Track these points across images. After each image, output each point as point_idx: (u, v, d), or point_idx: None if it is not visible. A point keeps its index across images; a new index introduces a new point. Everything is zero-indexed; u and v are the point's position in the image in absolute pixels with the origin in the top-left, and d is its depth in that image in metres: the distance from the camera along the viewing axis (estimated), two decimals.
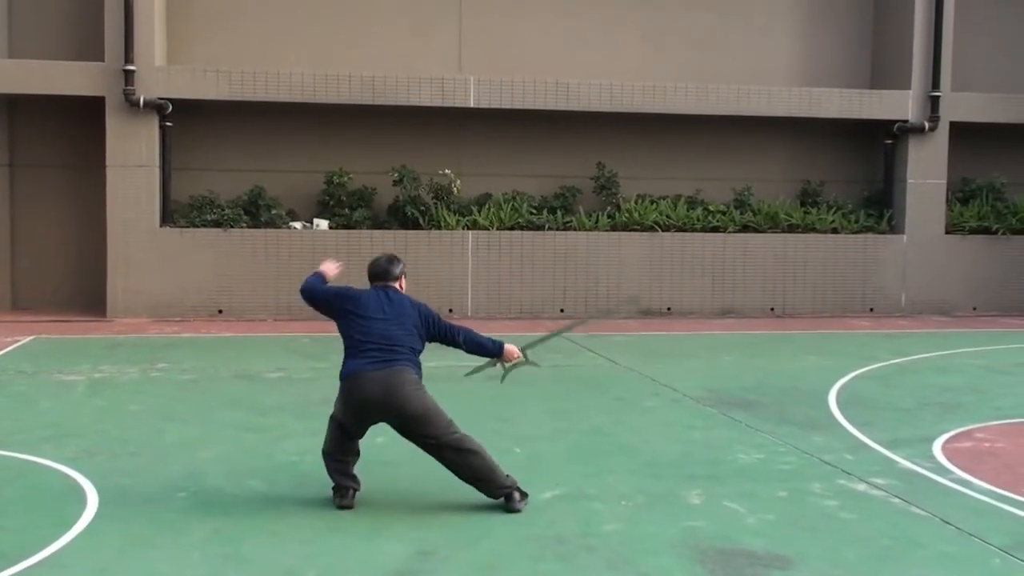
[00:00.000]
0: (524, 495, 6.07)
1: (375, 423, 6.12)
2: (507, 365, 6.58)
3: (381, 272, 6.42)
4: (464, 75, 16.10)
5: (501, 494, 6.02)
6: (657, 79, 16.87)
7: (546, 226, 16.17)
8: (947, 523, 5.83)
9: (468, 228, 15.92)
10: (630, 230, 16.44)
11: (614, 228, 16.48)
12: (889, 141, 17.46)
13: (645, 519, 5.87)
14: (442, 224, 15.82)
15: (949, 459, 7.28)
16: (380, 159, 16.31)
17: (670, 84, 16.44)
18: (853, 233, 17.11)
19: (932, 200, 17.33)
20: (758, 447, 7.63)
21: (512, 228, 16.10)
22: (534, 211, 16.39)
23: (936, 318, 16.95)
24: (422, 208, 15.90)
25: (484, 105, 15.87)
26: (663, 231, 16.46)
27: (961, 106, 17.37)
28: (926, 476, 6.86)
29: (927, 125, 17.13)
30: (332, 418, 6.22)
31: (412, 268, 15.49)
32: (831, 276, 16.89)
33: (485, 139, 16.91)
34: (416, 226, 15.88)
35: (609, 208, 16.71)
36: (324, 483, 6.42)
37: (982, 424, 8.54)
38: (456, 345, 6.39)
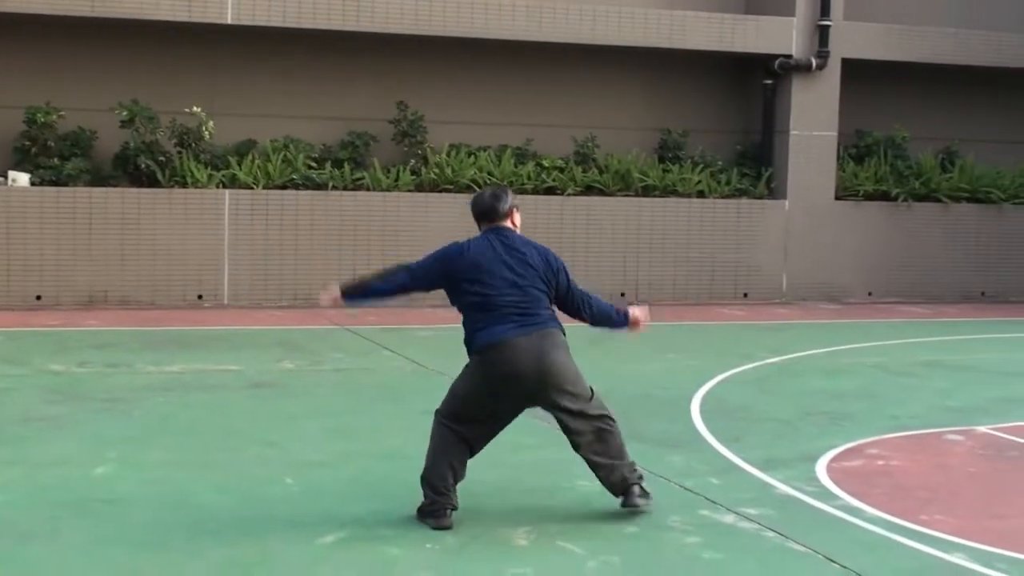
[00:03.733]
0: (647, 493, 6.71)
1: (520, 407, 6.68)
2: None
3: (487, 210, 6.82)
4: None
5: (624, 488, 6.67)
6: None
7: (330, 184, 16.08)
8: (831, 561, 6.13)
9: (224, 186, 15.67)
10: (440, 191, 16.52)
11: (419, 188, 16.52)
12: (768, 81, 18.14)
13: (457, 567, 5.95)
14: (189, 180, 15.53)
15: (835, 482, 7.65)
16: (103, 91, 15.87)
17: (492, 0, 16.58)
18: (723, 197, 17.71)
19: (820, 157, 18.11)
20: None
21: (284, 187, 15.95)
22: (313, 164, 16.27)
23: (823, 306, 17.74)
24: (161, 159, 15.57)
25: (246, 22, 15.62)
26: None
27: (855, 39, 18.19)
28: (807, 503, 7.19)
29: (814, 62, 17.87)
30: (450, 414, 6.62)
31: (149, 238, 15.23)
32: (696, 252, 17.43)
33: (248, 68, 16.66)
34: (153, 183, 15.54)
35: (413, 162, 16.74)
36: (26, 533, 6.23)
37: (875, 437, 9.01)
38: (582, 316, 6.95)
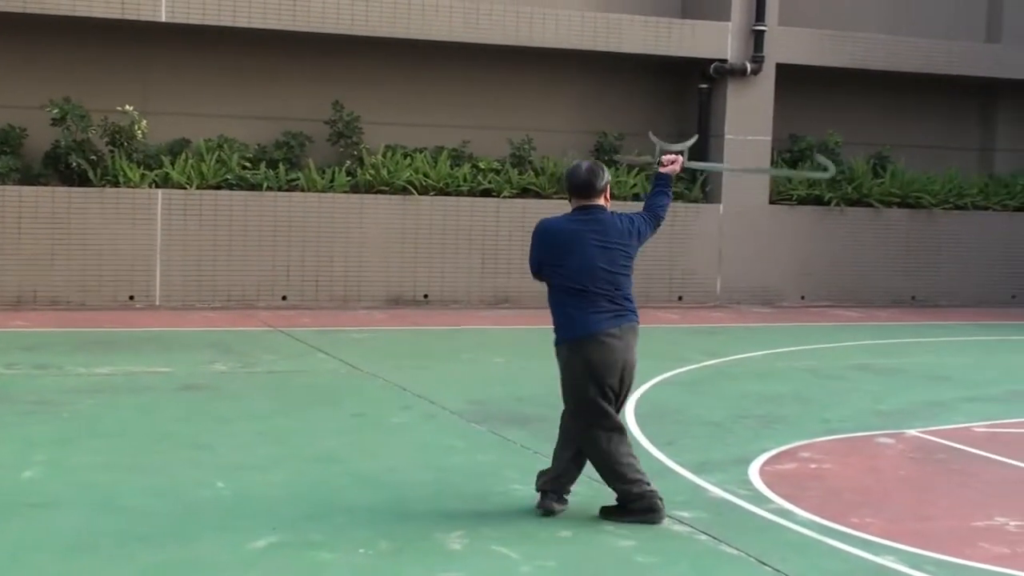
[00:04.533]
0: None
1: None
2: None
3: (582, 184, 6.83)
4: None
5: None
6: None
7: (264, 185, 15.99)
8: (763, 564, 6.18)
9: (157, 186, 15.54)
10: (376, 192, 16.48)
11: (355, 189, 16.46)
12: (704, 86, 18.25)
13: (390, 572, 5.92)
14: (121, 180, 15.38)
15: (768, 485, 7.72)
16: (34, 89, 15.69)
17: (430, 1, 16.55)
18: None
19: (755, 161, 18.23)
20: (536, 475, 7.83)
21: (218, 187, 15.83)
22: (248, 165, 16.17)
23: (757, 310, 17.88)
24: (93, 157, 15.42)
25: (180, 20, 15.49)
26: (419, 194, 16.58)
27: (790, 44, 18.36)
28: (740, 506, 7.25)
29: (749, 67, 18.01)
30: (584, 418, 6.76)
31: (79, 238, 15.06)
32: None
33: (181, 66, 16.52)
34: (85, 182, 15.37)
35: (349, 163, 16.68)
36: None
37: (807, 441, 9.10)
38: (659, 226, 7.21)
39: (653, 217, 7.13)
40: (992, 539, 6.76)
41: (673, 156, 7.37)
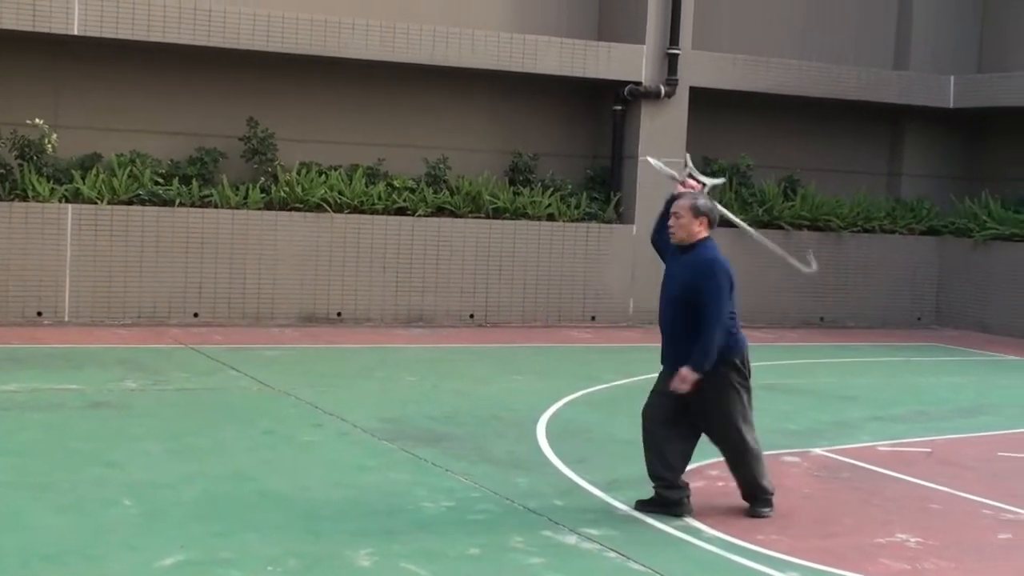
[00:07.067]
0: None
1: None
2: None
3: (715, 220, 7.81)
4: None
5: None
6: (329, 12, 16.94)
7: (177, 201, 15.86)
8: None
9: (67, 200, 15.34)
10: (290, 209, 16.42)
11: (269, 206, 16.38)
12: (618, 107, 18.43)
13: None
14: (30, 194, 15.17)
15: None
16: None
17: (346, 20, 16.55)
18: (573, 221, 17.92)
19: (668, 183, 18.31)
20: (447, 492, 7.86)
21: (130, 202, 15.67)
22: (161, 180, 16.03)
23: None
24: (1, 171, 15.19)
25: (93, 34, 15.33)
26: (334, 212, 16.55)
27: (703, 68, 18.59)
28: (649, 524, 7.34)
29: (663, 89, 18.21)
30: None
31: None
32: (545, 276, 17.61)
33: (94, 80, 16.34)
34: None
35: (263, 180, 16.60)
36: None
37: (716, 459, 9.11)
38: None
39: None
40: (893, 555, 6.92)
41: (695, 183, 7.84)
